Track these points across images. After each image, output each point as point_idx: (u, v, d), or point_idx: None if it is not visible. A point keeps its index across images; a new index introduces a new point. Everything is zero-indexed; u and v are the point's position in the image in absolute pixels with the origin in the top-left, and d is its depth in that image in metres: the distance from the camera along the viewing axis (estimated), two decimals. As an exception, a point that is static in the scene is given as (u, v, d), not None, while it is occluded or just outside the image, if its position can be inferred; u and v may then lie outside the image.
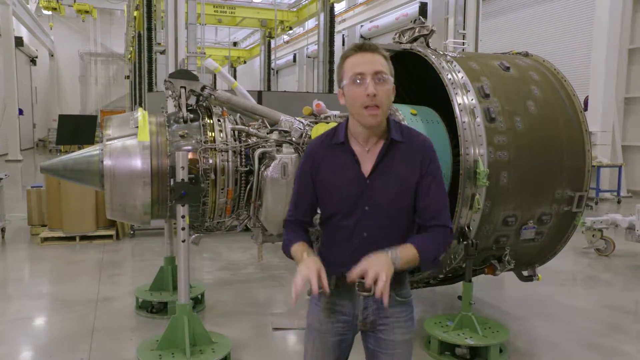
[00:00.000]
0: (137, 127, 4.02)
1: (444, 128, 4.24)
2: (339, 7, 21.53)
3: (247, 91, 5.02)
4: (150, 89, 14.74)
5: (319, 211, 2.14)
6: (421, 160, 1.96)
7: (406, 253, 1.89)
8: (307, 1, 20.34)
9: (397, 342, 2.05)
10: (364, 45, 1.90)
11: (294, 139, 4.24)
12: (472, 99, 3.91)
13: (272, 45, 24.92)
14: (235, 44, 36.42)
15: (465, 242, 3.84)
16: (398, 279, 2.03)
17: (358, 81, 1.85)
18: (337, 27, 20.16)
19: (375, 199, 1.94)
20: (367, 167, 1.95)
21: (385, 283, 1.74)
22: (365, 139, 1.97)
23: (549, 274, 5.80)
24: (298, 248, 2.01)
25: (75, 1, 31.51)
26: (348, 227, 1.98)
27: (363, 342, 2.15)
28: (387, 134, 1.97)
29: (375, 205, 1.94)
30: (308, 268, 1.84)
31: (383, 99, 1.86)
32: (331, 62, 16.65)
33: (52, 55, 37.52)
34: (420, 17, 4.60)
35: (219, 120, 4.22)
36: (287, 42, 30.66)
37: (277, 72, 29.85)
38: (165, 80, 4.34)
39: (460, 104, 3.88)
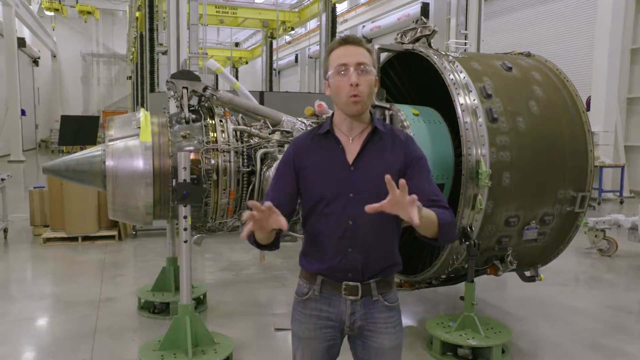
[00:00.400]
0: (139, 127, 4.02)
1: (446, 128, 4.24)
2: (340, 8, 21.50)
3: (249, 91, 5.02)
4: (152, 90, 14.73)
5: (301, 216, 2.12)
6: (405, 151, 2.00)
7: (426, 211, 1.77)
8: (308, 1, 20.33)
9: (385, 349, 2.04)
10: (348, 39, 1.97)
11: (295, 139, 4.24)
12: (474, 99, 3.90)
13: (274, 46, 24.93)
14: (237, 44, 36.45)
15: (467, 243, 3.83)
16: (385, 282, 2.03)
17: (342, 72, 1.92)
18: (339, 28, 20.14)
19: (360, 185, 1.96)
20: (351, 154, 1.99)
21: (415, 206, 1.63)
22: (348, 128, 2.01)
23: (552, 275, 5.78)
24: None
25: (77, 2, 31.59)
26: (333, 214, 1.97)
27: (351, 349, 2.13)
28: (370, 124, 2.03)
29: (359, 192, 1.95)
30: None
31: (365, 89, 1.92)
32: (333, 62, 16.61)
33: (54, 56, 37.62)
34: (422, 18, 4.59)
35: (221, 121, 4.23)
36: (289, 42, 30.65)
37: (279, 73, 29.89)
38: (167, 81, 4.35)
39: (462, 104, 3.87)
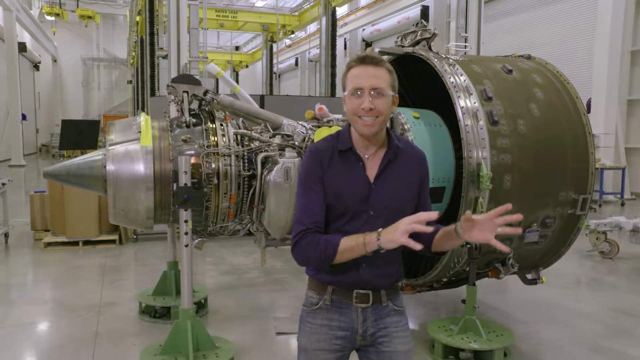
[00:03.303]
0: (140, 132, 4.02)
1: (447, 131, 4.24)
2: (340, 11, 21.54)
3: (250, 95, 5.02)
4: (152, 94, 14.75)
5: None
6: (419, 169, 2.06)
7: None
8: (308, 5, 20.37)
9: (399, 353, 2.04)
10: (366, 58, 1.92)
11: (296, 143, 4.24)
12: (474, 102, 3.90)
13: (274, 49, 24.96)
14: (237, 48, 36.49)
15: (468, 246, 3.83)
16: (393, 288, 2.07)
17: (358, 93, 1.91)
18: (339, 31, 20.16)
19: (380, 203, 1.96)
20: (371, 172, 1.99)
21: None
22: (365, 147, 2.01)
23: (553, 277, 5.77)
24: (349, 238, 1.87)
25: (78, 7, 31.65)
26: (352, 231, 1.95)
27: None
28: (387, 142, 2.03)
29: (379, 210, 1.96)
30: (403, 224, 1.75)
31: (380, 112, 1.91)
32: (333, 66, 16.63)
33: (55, 61, 37.66)
34: (422, 21, 4.60)
35: (221, 125, 4.22)
36: (289, 46, 30.72)
37: (279, 76, 29.94)
38: (167, 85, 4.35)
39: (463, 107, 3.87)
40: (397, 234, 1.74)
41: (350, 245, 1.85)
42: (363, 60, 1.92)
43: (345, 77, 1.97)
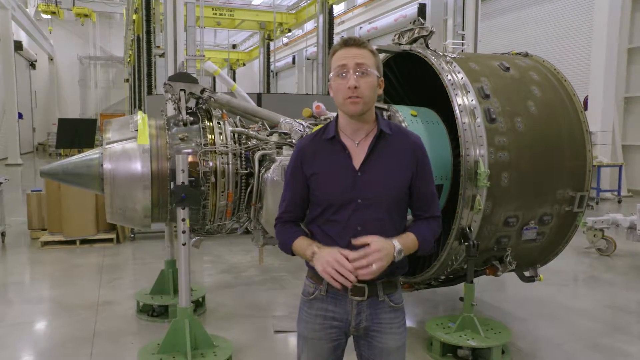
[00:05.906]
0: (137, 130, 4.01)
1: (445, 129, 4.24)
2: (337, 9, 21.49)
3: (247, 93, 5.01)
4: (149, 92, 14.70)
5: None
6: (412, 155, 2.01)
7: (409, 244, 1.97)
8: (306, 3, 20.33)
9: (391, 349, 2.06)
10: (349, 40, 1.97)
11: (294, 141, 4.23)
12: (472, 100, 3.90)
13: (271, 48, 24.92)
14: (234, 46, 36.40)
15: (466, 243, 3.83)
16: (391, 284, 2.05)
17: (342, 74, 1.93)
18: (336, 29, 20.13)
19: (368, 191, 1.96)
20: (358, 160, 1.99)
21: (375, 271, 1.84)
22: (353, 131, 2.01)
23: (551, 275, 5.78)
24: (302, 242, 2.02)
25: (74, 5, 31.52)
26: (341, 221, 1.98)
27: (356, 350, 2.14)
28: (375, 127, 2.02)
29: (367, 198, 1.96)
30: (329, 262, 1.86)
31: (365, 91, 1.92)
32: (331, 64, 16.61)
33: (51, 59, 37.53)
34: (420, 18, 4.59)
35: (218, 123, 4.22)
36: (286, 44, 30.66)
37: (276, 74, 29.83)
38: (164, 83, 4.34)
39: (460, 104, 3.87)
40: (320, 267, 1.87)
41: (302, 251, 2.01)
42: (346, 43, 1.96)
43: (330, 60, 1.99)
